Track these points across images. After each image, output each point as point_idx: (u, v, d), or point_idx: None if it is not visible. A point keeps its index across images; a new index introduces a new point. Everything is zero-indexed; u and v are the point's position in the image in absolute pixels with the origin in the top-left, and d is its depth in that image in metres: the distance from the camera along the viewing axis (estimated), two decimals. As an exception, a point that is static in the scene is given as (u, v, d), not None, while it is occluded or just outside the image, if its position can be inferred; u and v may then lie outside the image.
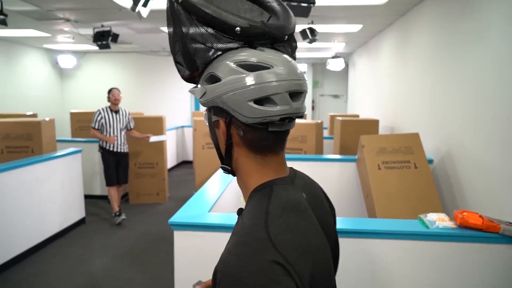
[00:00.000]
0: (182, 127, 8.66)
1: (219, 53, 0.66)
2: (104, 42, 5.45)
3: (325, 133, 6.36)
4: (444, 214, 1.85)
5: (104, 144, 4.60)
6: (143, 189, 5.57)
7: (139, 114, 6.95)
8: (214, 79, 0.65)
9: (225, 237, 1.92)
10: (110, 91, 4.70)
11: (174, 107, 9.33)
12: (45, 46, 8.42)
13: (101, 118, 4.56)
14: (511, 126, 2.40)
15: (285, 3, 0.76)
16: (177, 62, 0.69)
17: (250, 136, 0.66)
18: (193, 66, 0.67)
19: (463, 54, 3.15)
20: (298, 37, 5.92)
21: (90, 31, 5.83)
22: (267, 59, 0.63)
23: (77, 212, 4.57)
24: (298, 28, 5.30)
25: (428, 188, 3.18)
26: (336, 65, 8.14)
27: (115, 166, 4.66)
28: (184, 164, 8.64)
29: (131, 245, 3.97)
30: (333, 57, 8.19)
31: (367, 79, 7.22)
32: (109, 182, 4.64)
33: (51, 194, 4.10)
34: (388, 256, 1.75)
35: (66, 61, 8.84)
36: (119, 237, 4.20)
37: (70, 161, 4.44)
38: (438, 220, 1.79)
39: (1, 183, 3.39)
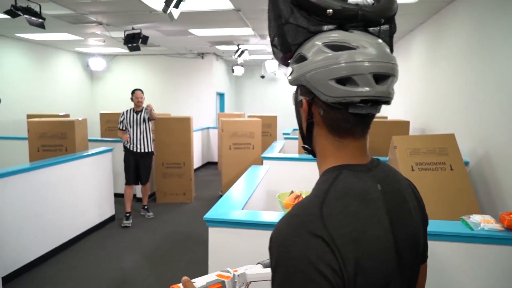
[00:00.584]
0: (208, 128, 8.75)
1: (311, 34, 0.67)
2: (134, 44, 5.58)
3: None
4: (489, 216, 1.77)
5: (126, 143, 4.67)
6: (170, 188, 5.64)
7: (166, 115, 7.07)
8: (302, 59, 0.67)
9: (260, 234, 1.93)
10: (133, 92, 4.75)
11: (200, 109, 9.43)
12: (77, 49, 8.71)
13: (124, 119, 4.67)
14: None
15: None
16: (273, 45, 0.72)
17: (330, 116, 0.67)
18: (286, 47, 0.69)
19: (501, 52, 3.02)
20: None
21: (120, 34, 5.98)
22: (354, 40, 0.63)
23: (107, 209, 4.68)
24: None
25: (465, 191, 3.06)
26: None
27: (135, 165, 4.69)
28: (209, 165, 8.72)
29: (159, 244, 4.02)
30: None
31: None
32: (126, 181, 4.72)
33: (84, 191, 4.22)
34: (431, 257, 1.69)
35: (97, 64, 9.11)
36: (147, 235, 4.27)
37: (101, 160, 4.56)
38: (483, 221, 1.71)
39: (37, 179, 3.51)
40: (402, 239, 0.68)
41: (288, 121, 10.28)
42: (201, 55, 9.29)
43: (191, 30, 6.25)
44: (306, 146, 0.75)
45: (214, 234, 1.90)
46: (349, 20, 0.64)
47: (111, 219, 4.74)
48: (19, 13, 4.02)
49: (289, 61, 0.72)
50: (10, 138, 6.26)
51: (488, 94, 3.27)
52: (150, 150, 4.78)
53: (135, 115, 4.69)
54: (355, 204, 0.63)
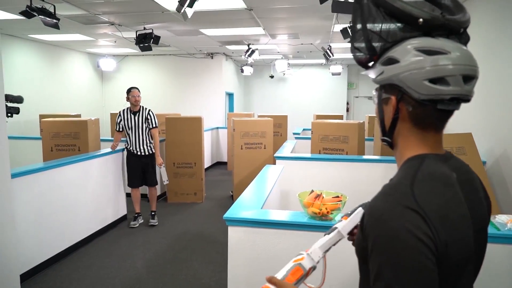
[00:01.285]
0: (217, 128, 8.76)
1: (399, 40, 0.75)
2: (146, 44, 5.60)
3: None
4: (516, 216, 1.73)
5: (127, 145, 4.51)
6: (181, 188, 5.65)
7: (176, 115, 7.09)
8: (392, 61, 0.75)
9: (280, 233, 1.91)
10: (129, 91, 4.41)
11: (209, 108, 9.45)
12: (88, 50, 8.78)
13: (121, 120, 4.43)
14: None
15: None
16: (355, 48, 0.81)
17: (418, 111, 0.75)
18: (373, 51, 0.78)
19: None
20: (339, 36, 5.83)
21: (132, 34, 6.01)
22: (444, 46, 0.72)
23: (119, 209, 4.70)
24: (339, 27, 5.22)
25: (484, 191, 3.01)
26: (373, 65, 7.93)
27: (138, 168, 4.51)
28: (219, 165, 8.72)
29: (172, 243, 4.02)
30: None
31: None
32: (128, 183, 4.56)
33: (97, 191, 4.24)
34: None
35: (107, 64, 9.18)
36: (160, 235, 4.28)
37: (113, 159, 4.58)
38: (510, 222, 1.68)
39: (52, 179, 3.54)
40: (476, 223, 0.76)
41: (297, 121, 10.28)
42: (211, 55, 9.31)
43: (202, 30, 6.26)
44: (387, 138, 0.83)
45: (234, 234, 1.88)
46: (436, 28, 0.74)
47: (123, 218, 4.76)
48: (34, 13, 4.06)
49: (371, 64, 0.81)
50: (23, 138, 6.33)
51: (506, 93, 3.22)
52: (152, 152, 4.57)
53: (132, 116, 4.42)
54: (440, 185, 0.72)
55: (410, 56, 0.73)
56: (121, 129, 4.47)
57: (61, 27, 5.17)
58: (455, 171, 0.78)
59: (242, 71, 9.74)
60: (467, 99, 0.74)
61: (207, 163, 7.98)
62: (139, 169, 4.52)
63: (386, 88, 0.79)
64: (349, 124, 4.20)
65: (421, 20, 0.72)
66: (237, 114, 8.22)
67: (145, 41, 5.59)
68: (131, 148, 4.47)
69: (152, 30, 5.67)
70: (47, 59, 7.86)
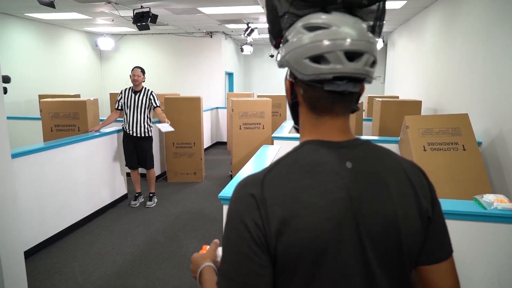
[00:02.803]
0: (216, 108, 8.75)
1: (295, 19, 0.70)
2: (143, 23, 5.53)
3: (363, 115, 6.21)
4: (503, 195, 1.77)
5: (124, 124, 4.47)
6: (181, 168, 5.72)
7: (175, 95, 7.08)
8: (285, 41, 0.71)
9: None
10: (132, 70, 4.44)
11: (209, 88, 9.41)
12: (86, 29, 8.68)
13: (121, 98, 4.41)
14: None
15: None
16: (269, 32, 0.76)
17: (309, 94, 0.70)
18: (275, 32, 0.73)
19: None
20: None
21: (129, 13, 5.94)
22: (329, 20, 0.66)
23: (120, 188, 4.78)
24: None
25: (478, 171, 3.06)
26: (374, 44, 7.86)
27: (133, 149, 4.48)
28: (218, 144, 8.77)
29: (171, 221, 4.12)
30: (371, 37, 7.90)
31: (408, 59, 6.93)
32: (126, 164, 4.58)
33: (97, 170, 4.31)
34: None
35: (105, 44, 9.09)
36: (160, 213, 4.37)
37: (113, 140, 4.62)
38: (496, 201, 1.73)
39: (53, 159, 3.59)
40: (367, 218, 0.67)
41: (297, 101, 10.23)
42: (210, 34, 9.19)
43: (200, 8, 6.17)
44: (295, 125, 0.80)
45: (229, 212, 1.93)
46: (328, 2, 0.67)
47: (123, 197, 4.84)
48: (29, -8, 4.00)
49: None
50: (23, 118, 6.36)
51: (503, 74, 3.21)
52: (148, 135, 4.49)
53: (133, 95, 4.39)
54: (300, 173, 0.68)
55: (295, 34, 0.68)
56: (120, 107, 4.46)
57: (57, 5, 5.10)
58: (353, 160, 0.69)
59: (241, 50, 9.64)
60: (360, 78, 0.66)
61: (206, 143, 8.03)
62: (134, 152, 4.49)
63: (288, 72, 0.74)
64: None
65: None
66: (237, 94, 8.20)
67: (143, 20, 5.53)
68: (126, 129, 4.43)
69: (150, 8, 5.59)
70: (44, 38, 7.78)
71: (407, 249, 0.69)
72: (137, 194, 4.69)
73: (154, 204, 4.61)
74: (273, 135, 3.99)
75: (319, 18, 0.66)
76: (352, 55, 0.64)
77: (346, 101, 0.70)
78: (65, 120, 4.62)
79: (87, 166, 4.11)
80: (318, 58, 0.65)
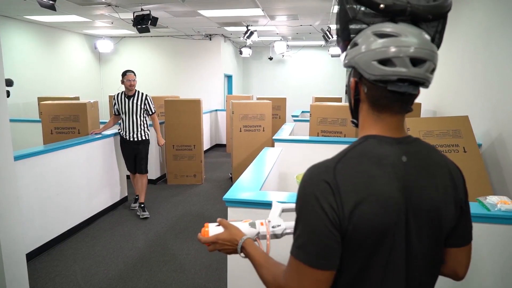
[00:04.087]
0: (216, 110, 8.76)
1: (365, 26, 0.79)
2: (144, 26, 5.54)
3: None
4: (506, 197, 1.78)
5: (120, 130, 4.40)
6: (181, 170, 5.71)
7: (175, 97, 7.09)
8: (354, 45, 0.79)
9: (279, 214, 1.93)
10: (124, 74, 4.23)
11: (208, 91, 9.42)
12: (85, 31, 8.68)
13: (115, 104, 4.32)
14: None
15: None
16: (337, 35, 0.85)
17: (373, 92, 0.79)
18: (344, 36, 0.82)
19: (522, 32, 2.97)
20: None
21: (129, 15, 5.94)
22: (397, 29, 0.75)
23: (120, 191, 4.77)
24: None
25: (478, 173, 3.07)
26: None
27: (130, 154, 4.40)
28: (218, 147, 8.77)
29: (172, 224, 4.11)
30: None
31: (407, 62, 6.95)
32: (127, 168, 4.55)
33: (98, 173, 4.30)
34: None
35: (104, 46, 9.08)
36: (160, 216, 4.36)
37: (113, 142, 4.61)
38: (500, 202, 1.74)
39: (53, 161, 3.58)
40: (416, 205, 0.79)
41: (297, 103, 10.26)
42: (209, 36, 9.21)
43: (200, 11, 6.18)
44: (354, 120, 0.90)
45: (233, 214, 1.94)
46: (398, 14, 0.75)
47: (124, 200, 4.83)
48: (30, -6, 4.00)
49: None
50: (23, 120, 6.34)
51: (503, 76, 3.23)
52: (145, 138, 4.40)
53: (127, 100, 4.27)
54: (368, 163, 0.77)
55: (365, 39, 0.76)
56: (117, 113, 4.41)
57: (57, 8, 5.10)
58: (408, 155, 0.80)
59: (241, 52, 9.66)
60: (420, 82, 0.76)
61: (206, 145, 8.03)
62: (132, 156, 4.43)
63: (353, 71, 0.83)
64: (347, 106, 4.22)
65: (382, 5, 0.74)
66: (236, 96, 8.21)
67: (143, 23, 5.53)
68: (123, 134, 4.35)
69: (150, 11, 5.60)
70: (44, 40, 7.78)
71: (445, 231, 0.84)
72: (136, 197, 4.67)
73: (148, 215, 4.31)
74: (274, 137, 4.00)
75: (388, 27, 0.75)
76: (416, 61, 0.73)
77: (404, 101, 0.79)
78: (65, 123, 4.61)
79: (87, 168, 4.10)
80: (385, 61, 0.74)
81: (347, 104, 4.89)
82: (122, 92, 4.33)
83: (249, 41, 7.83)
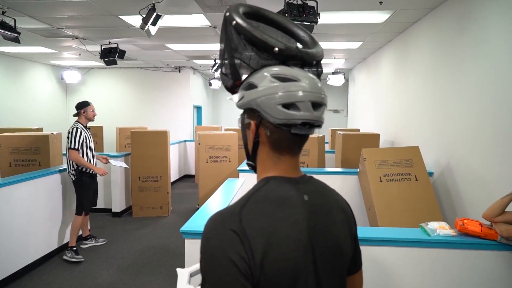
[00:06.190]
0: (185, 141, 8.77)
1: (258, 67, 0.81)
2: (111, 59, 5.60)
3: (326, 147, 6.45)
4: (445, 222, 1.93)
5: (85, 167, 4.00)
6: (147, 202, 5.63)
7: (143, 128, 7.07)
8: (252, 87, 0.80)
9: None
10: (87, 104, 4.06)
11: (177, 122, 9.45)
12: (51, 62, 8.60)
13: (83, 137, 3.98)
14: (509, 138, 2.50)
15: (298, 24, 0.92)
16: (223, 74, 0.86)
17: (275, 136, 0.80)
18: (237, 76, 0.83)
19: (461, 68, 3.28)
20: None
21: (97, 48, 5.99)
22: (296, 74, 0.78)
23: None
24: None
25: (429, 200, 3.26)
26: (336, 80, 8.31)
27: (94, 189, 4.22)
28: (186, 178, 8.71)
29: (135, 258, 4.01)
30: (333, 73, 8.36)
31: (367, 94, 7.37)
32: (86, 210, 4.11)
33: (58, 207, 4.17)
34: (390, 262, 1.82)
35: (71, 77, 9.01)
36: (123, 250, 4.25)
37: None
38: (439, 228, 1.87)
39: (10, 195, 3.46)
40: (320, 243, 0.80)
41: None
42: (178, 68, 9.36)
43: (168, 45, 6.34)
44: (251, 162, 0.88)
45: (191, 246, 1.97)
46: (290, 58, 0.80)
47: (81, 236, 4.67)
48: (-7, 27, 4.00)
49: (236, 88, 0.85)
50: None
51: (450, 108, 3.51)
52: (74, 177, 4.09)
53: (88, 132, 4.12)
54: (273, 206, 0.77)
55: (266, 81, 0.77)
56: (80, 148, 3.99)
57: (22, 40, 5.08)
58: (308, 194, 0.82)
59: (210, 84, 9.85)
60: (317, 125, 0.80)
61: (174, 176, 7.96)
62: (94, 191, 4.25)
63: (248, 113, 0.83)
64: (309, 138, 4.38)
65: (276, 49, 0.77)
66: (204, 127, 8.30)
67: (110, 55, 5.59)
68: (89, 170, 4.07)
69: (117, 44, 5.69)
70: (8, 71, 7.63)
71: (346, 264, 0.88)
72: (89, 236, 4.45)
73: (75, 259, 3.90)
74: (239, 168, 4.08)
75: (286, 71, 0.78)
76: (315, 105, 0.77)
77: (303, 143, 0.83)
78: (25, 155, 4.49)
79: (46, 202, 3.97)
80: (289, 105, 0.75)
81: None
82: (83, 126, 4.04)
83: (217, 74, 8.03)
